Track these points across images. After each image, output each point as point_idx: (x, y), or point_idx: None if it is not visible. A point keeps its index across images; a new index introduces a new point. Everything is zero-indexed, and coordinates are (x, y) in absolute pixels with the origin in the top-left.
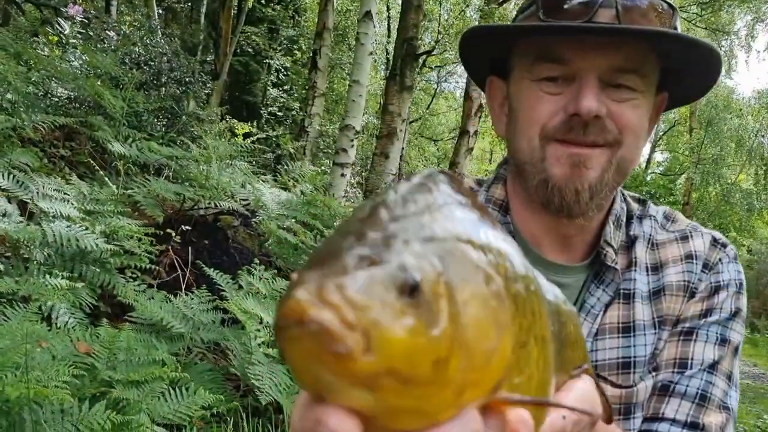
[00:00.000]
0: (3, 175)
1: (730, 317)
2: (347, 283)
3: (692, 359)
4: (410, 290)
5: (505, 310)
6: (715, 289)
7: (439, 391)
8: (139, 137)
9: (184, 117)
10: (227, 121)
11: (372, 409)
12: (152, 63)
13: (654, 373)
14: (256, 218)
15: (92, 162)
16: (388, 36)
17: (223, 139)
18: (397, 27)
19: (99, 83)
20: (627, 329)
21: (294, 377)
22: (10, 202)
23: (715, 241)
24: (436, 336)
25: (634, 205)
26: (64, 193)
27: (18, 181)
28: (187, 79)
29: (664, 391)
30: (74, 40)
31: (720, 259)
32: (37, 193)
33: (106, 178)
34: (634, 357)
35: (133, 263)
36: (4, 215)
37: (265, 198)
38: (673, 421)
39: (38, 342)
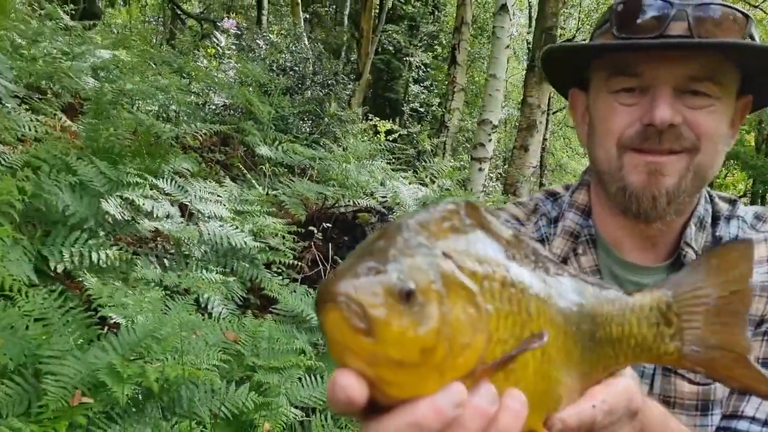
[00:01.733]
0: (167, 182)
1: None
2: (368, 284)
3: None
4: (406, 295)
5: (481, 315)
6: None
7: (426, 372)
8: (285, 140)
9: (326, 118)
10: (369, 119)
11: (373, 378)
12: (297, 68)
13: None
14: (393, 215)
15: (242, 166)
16: (529, 26)
17: (363, 138)
18: (536, 17)
19: (249, 90)
20: None
21: (328, 347)
22: (172, 205)
23: None
24: (423, 332)
25: (723, 206)
26: (218, 196)
27: (179, 186)
28: (329, 82)
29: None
30: (228, 51)
31: None
32: (195, 196)
33: (254, 181)
34: None
35: (278, 259)
36: (167, 217)
37: (402, 195)
38: (753, 419)
39: (193, 330)
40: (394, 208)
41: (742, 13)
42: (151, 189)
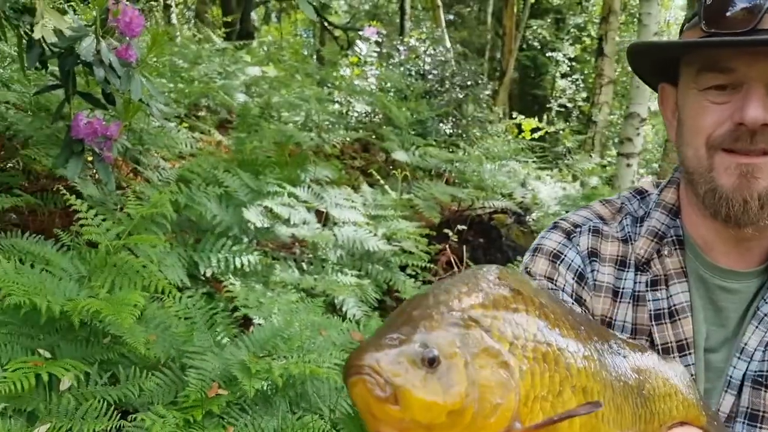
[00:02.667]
0: (304, 190)
1: None
2: (390, 356)
3: None
4: (429, 362)
5: (512, 374)
6: None
7: None
8: (423, 144)
9: (464, 120)
10: (513, 118)
11: None
12: (435, 72)
13: None
14: (531, 215)
15: (375, 173)
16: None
17: (505, 138)
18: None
19: (388, 97)
20: None
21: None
22: (309, 211)
23: None
24: (449, 395)
25: None
26: (352, 201)
27: (315, 194)
28: (468, 83)
29: None
30: (370, 59)
31: None
32: (330, 202)
33: (387, 186)
34: None
35: (412, 262)
36: (304, 223)
37: (542, 195)
38: None
39: (319, 330)
40: (531, 208)
41: None
42: (288, 197)
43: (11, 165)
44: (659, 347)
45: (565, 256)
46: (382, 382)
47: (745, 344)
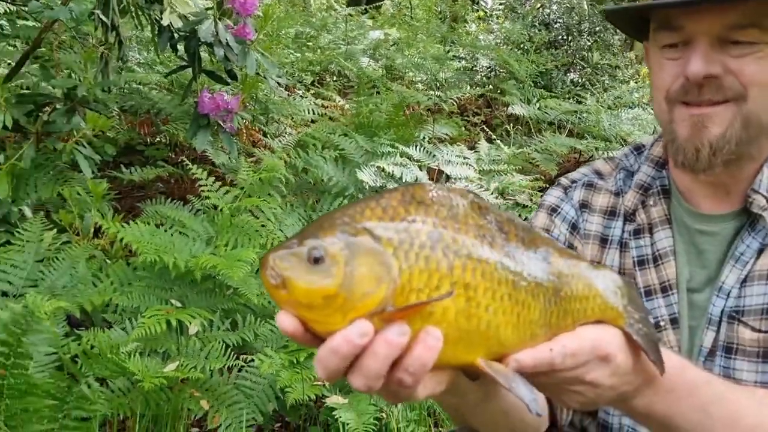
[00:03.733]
0: (416, 149)
1: None
2: (282, 255)
3: None
4: (315, 260)
5: (387, 270)
6: None
7: (332, 312)
8: (545, 96)
9: (588, 69)
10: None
11: (299, 318)
12: (561, 20)
13: None
14: None
15: (494, 128)
16: None
17: (638, 83)
18: None
19: (509, 50)
20: None
21: None
22: (421, 169)
23: None
24: (325, 284)
25: None
26: (464, 158)
27: (428, 152)
28: (597, 29)
29: None
30: (495, 13)
31: None
32: (442, 159)
33: (498, 141)
34: None
35: (526, 215)
36: (416, 180)
37: None
38: None
39: None
40: None
41: None
42: (401, 156)
43: (158, 139)
44: (642, 290)
45: (561, 209)
46: (275, 274)
47: (723, 282)
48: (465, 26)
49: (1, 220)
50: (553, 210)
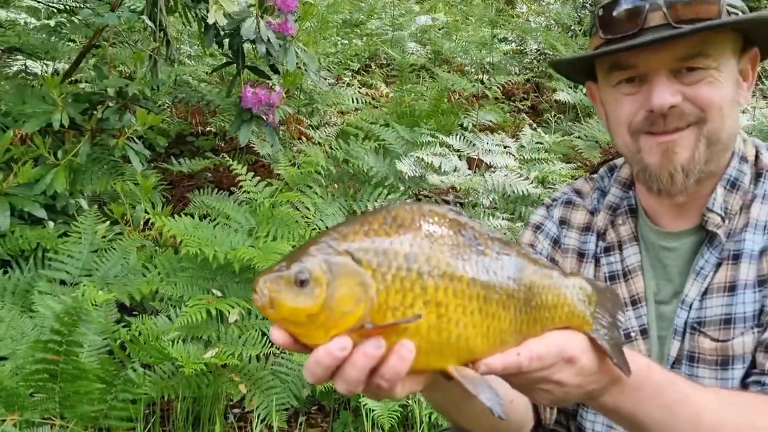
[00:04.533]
0: (456, 138)
1: None
2: (271, 278)
3: None
4: (301, 282)
5: (365, 291)
6: None
7: (314, 329)
8: None
9: None
10: None
11: (288, 332)
12: None
13: (758, 330)
14: None
15: (538, 114)
16: None
17: None
18: None
19: (561, 32)
20: (732, 288)
21: None
22: (460, 159)
23: None
24: (309, 305)
25: None
26: (505, 146)
27: (468, 141)
28: None
29: (767, 348)
30: None
31: None
32: (482, 149)
33: (538, 130)
34: (735, 314)
35: None
36: (455, 170)
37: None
38: None
39: None
40: None
41: None
42: (441, 146)
43: (209, 130)
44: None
45: (545, 226)
46: (265, 295)
47: (686, 295)
48: (516, 8)
49: (60, 212)
50: (538, 227)
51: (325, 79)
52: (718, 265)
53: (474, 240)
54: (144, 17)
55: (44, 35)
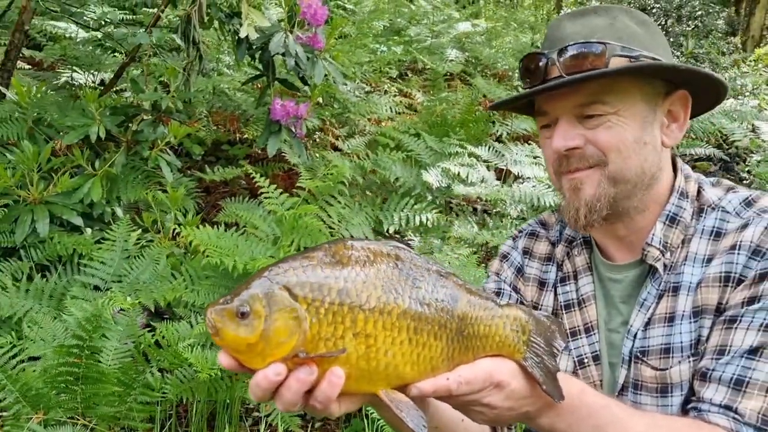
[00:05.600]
0: (485, 148)
1: None
2: (217, 310)
3: (731, 346)
4: (242, 315)
5: (299, 324)
6: (763, 276)
7: (254, 356)
8: None
9: (683, 58)
10: (759, 45)
11: (235, 357)
12: (658, 5)
13: (694, 359)
14: (738, 163)
15: None
16: None
17: (744, 70)
18: None
19: None
20: (671, 319)
21: None
22: (488, 169)
23: None
24: (247, 334)
25: (713, 197)
26: (534, 157)
27: (496, 152)
28: (698, 13)
29: (702, 377)
30: None
31: None
32: (510, 159)
33: None
34: (673, 344)
35: None
36: (482, 181)
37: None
38: (711, 404)
39: None
40: (751, 153)
41: (600, 42)
42: (469, 157)
43: (245, 137)
44: (568, 330)
45: (510, 255)
46: (211, 324)
47: (631, 325)
48: (559, 11)
49: (96, 220)
50: (504, 257)
51: (355, 90)
52: (660, 297)
53: (410, 273)
54: (175, 36)
55: (90, 48)
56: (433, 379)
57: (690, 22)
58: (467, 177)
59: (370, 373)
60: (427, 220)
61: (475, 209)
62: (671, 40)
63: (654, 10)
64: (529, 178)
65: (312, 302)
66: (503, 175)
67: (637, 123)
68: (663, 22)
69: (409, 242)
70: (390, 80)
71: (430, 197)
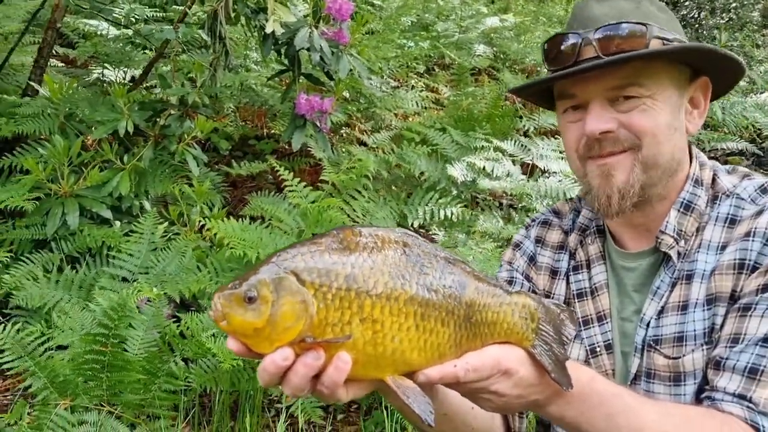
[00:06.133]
0: (511, 142)
1: None
2: (224, 295)
3: (745, 334)
4: (249, 299)
5: (306, 309)
6: None
7: (261, 340)
8: None
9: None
10: None
11: (242, 342)
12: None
13: (708, 347)
14: None
15: None
16: None
17: None
18: None
19: None
20: (684, 307)
21: None
22: (514, 164)
23: None
24: (255, 320)
25: (728, 184)
26: (560, 152)
27: (522, 146)
28: (732, 5)
29: (716, 365)
30: None
31: None
32: (537, 154)
33: None
34: (686, 332)
35: None
36: (508, 175)
37: None
38: (725, 392)
39: None
40: None
41: (639, 23)
42: (495, 151)
43: (273, 132)
44: (580, 319)
45: (523, 244)
46: (219, 309)
47: (644, 314)
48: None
49: (125, 213)
50: (517, 246)
51: (381, 84)
52: (674, 285)
53: (418, 260)
54: (200, 31)
55: (120, 45)
56: (440, 366)
57: (724, 15)
58: (492, 171)
59: (377, 359)
60: (452, 214)
61: (500, 204)
62: (704, 33)
63: (686, 3)
64: (555, 172)
65: (319, 287)
66: (529, 170)
67: (669, 108)
68: (696, 15)
69: (433, 237)
70: (417, 75)
71: (455, 192)
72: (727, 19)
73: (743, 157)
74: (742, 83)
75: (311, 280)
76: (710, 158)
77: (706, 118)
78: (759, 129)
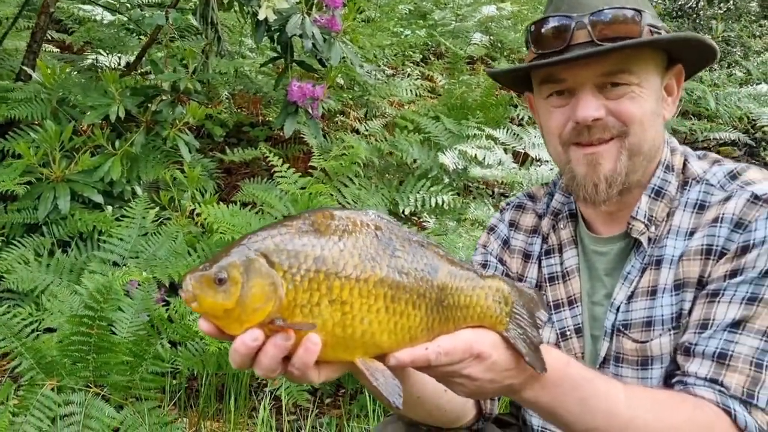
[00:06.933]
0: (503, 131)
1: (763, 274)
2: (195, 276)
3: (713, 320)
4: (219, 281)
5: (275, 290)
6: (745, 249)
7: (231, 321)
8: None
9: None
10: None
11: (213, 323)
12: None
13: (675, 332)
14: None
15: None
16: None
17: None
18: None
19: None
20: (653, 292)
21: None
22: (506, 152)
23: (756, 198)
24: (224, 301)
25: (698, 169)
26: None
27: (514, 134)
28: None
29: (686, 351)
30: None
31: (757, 217)
32: (528, 142)
33: None
34: (654, 317)
35: None
36: (499, 163)
37: None
38: (696, 377)
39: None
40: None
41: (634, 9)
42: (487, 139)
43: (268, 119)
44: (551, 302)
45: (498, 228)
46: (189, 291)
47: (614, 298)
48: None
49: (116, 198)
50: (491, 229)
51: (375, 72)
52: (644, 270)
53: (390, 243)
54: (191, 17)
55: (114, 30)
56: (411, 349)
57: (722, 5)
58: (484, 159)
59: (346, 341)
60: (443, 202)
61: (493, 192)
62: (701, 23)
63: None
64: (546, 161)
65: (288, 269)
66: (521, 158)
67: (654, 95)
68: (693, 5)
69: (423, 224)
70: (413, 64)
71: (447, 180)
72: (724, 10)
73: (735, 148)
74: (738, 74)
75: (280, 261)
76: (703, 148)
77: (701, 108)
78: (753, 120)
